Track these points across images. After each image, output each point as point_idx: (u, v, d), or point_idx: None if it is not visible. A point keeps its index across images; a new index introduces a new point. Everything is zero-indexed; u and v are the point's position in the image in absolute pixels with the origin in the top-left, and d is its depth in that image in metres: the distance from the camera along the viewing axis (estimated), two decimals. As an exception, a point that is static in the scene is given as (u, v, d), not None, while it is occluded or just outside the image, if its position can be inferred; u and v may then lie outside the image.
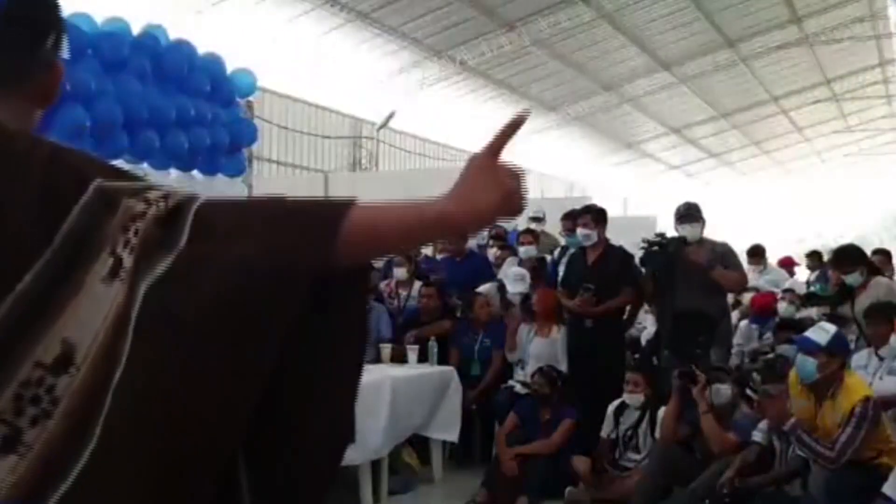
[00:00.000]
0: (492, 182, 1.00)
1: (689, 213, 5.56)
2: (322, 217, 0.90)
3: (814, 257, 9.41)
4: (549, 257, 7.13)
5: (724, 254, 5.56)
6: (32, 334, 0.82)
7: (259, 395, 0.86)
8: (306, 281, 0.85)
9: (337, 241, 0.87)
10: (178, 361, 0.83)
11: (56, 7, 1.07)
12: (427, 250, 7.80)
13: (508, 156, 1.07)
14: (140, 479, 0.82)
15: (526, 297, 6.29)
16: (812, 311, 6.80)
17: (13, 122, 0.98)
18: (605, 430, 5.12)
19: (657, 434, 4.88)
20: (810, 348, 4.08)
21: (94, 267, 0.83)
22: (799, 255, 10.93)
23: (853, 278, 5.32)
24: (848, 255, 5.55)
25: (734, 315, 7.17)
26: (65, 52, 1.10)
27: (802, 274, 9.60)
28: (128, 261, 0.83)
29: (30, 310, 0.82)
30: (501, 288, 6.53)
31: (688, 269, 5.35)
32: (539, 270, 6.60)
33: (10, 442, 0.82)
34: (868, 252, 6.37)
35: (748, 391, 4.86)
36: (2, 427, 0.82)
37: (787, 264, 9.55)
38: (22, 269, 0.82)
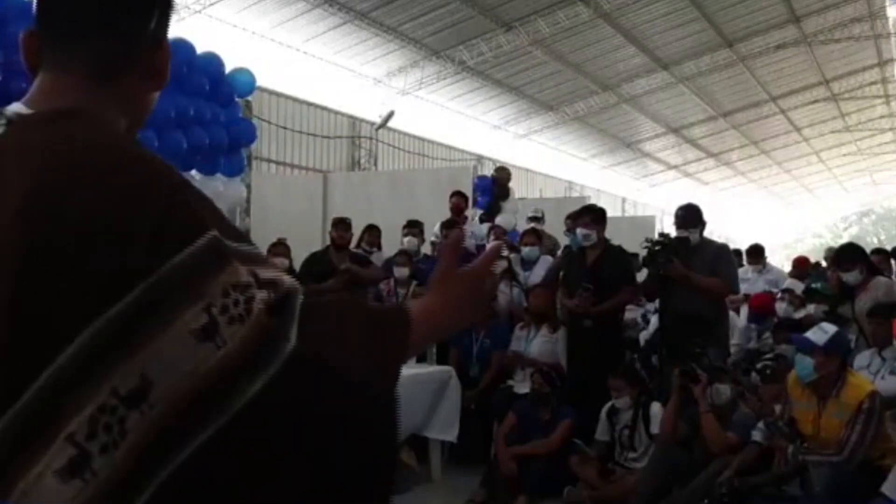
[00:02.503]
0: (469, 299, 1.11)
1: (687, 218, 5.55)
2: (397, 340, 0.99)
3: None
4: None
5: (717, 256, 5.54)
6: (113, 360, 0.80)
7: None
8: (395, 405, 0.95)
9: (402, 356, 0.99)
10: (273, 459, 0.84)
11: None
12: (426, 250, 7.80)
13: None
14: None
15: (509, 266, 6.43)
16: (811, 308, 6.78)
17: (128, 106, 1.02)
18: (600, 433, 5.13)
19: (652, 430, 4.89)
20: (808, 348, 4.08)
21: (186, 315, 0.82)
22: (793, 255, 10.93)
23: (852, 276, 5.31)
24: (847, 254, 5.55)
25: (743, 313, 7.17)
26: (170, 30, 1.08)
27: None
28: (226, 331, 0.83)
29: (115, 336, 0.80)
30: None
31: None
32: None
33: (79, 466, 0.79)
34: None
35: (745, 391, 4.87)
36: (71, 448, 0.79)
37: (802, 265, 9.50)
38: (115, 296, 0.81)
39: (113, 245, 0.82)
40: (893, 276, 6.96)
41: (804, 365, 4.07)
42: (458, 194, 8.03)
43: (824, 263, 9.97)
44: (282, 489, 0.84)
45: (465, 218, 8.02)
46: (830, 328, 4.20)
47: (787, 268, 9.65)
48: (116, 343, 0.80)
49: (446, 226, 7.21)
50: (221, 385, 0.81)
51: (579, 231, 5.85)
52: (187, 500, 0.82)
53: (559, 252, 7.37)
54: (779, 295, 7.27)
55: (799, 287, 7.79)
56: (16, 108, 0.96)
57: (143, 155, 0.90)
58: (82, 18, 0.97)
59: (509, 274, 6.59)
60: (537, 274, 6.77)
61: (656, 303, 5.92)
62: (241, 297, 0.84)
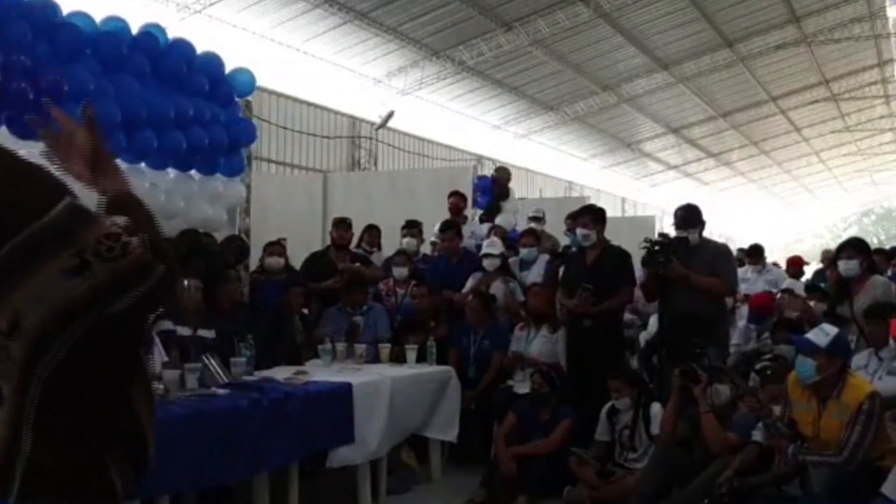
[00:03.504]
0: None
1: (686, 218, 5.55)
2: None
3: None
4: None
5: (717, 256, 5.54)
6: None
7: None
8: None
9: None
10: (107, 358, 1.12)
11: None
12: (426, 249, 7.79)
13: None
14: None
15: (504, 263, 6.53)
16: (811, 304, 6.77)
17: None
18: (600, 433, 5.12)
19: (652, 430, 4.89)
20: (809, 350, 4.07)
21: (59, 258, 1.02)
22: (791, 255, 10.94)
23: (851, 266, 5.31)
24: (850, 245, 5.55)
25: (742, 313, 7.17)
26: None
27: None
28: (98, 268, 1.04)
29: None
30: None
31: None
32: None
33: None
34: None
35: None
36: None
37: (796, 265, 9.51)
38: None
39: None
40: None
41: (805, 367, 4.06)
42: (456, 194, 7.99)
43: (820, 265, 10.00)
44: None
45: (465, 217, 8.01)
46: (832, 329, 4.18)
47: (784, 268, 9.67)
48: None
49: (444, 227, 7.19)
50: (86, 304, 1.03)
51: (579, 231, 5.85)
52: (66, 393, 1.05)
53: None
54: (778, 295, 7.28)
55: (798, 287, 7.80)
56: None
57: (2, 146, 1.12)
58: None
59: (505, 272, 6.60)
60: (535, 273, 6.77)
61: (653, 304, 5.92)
62: (115, 244, 1.07)
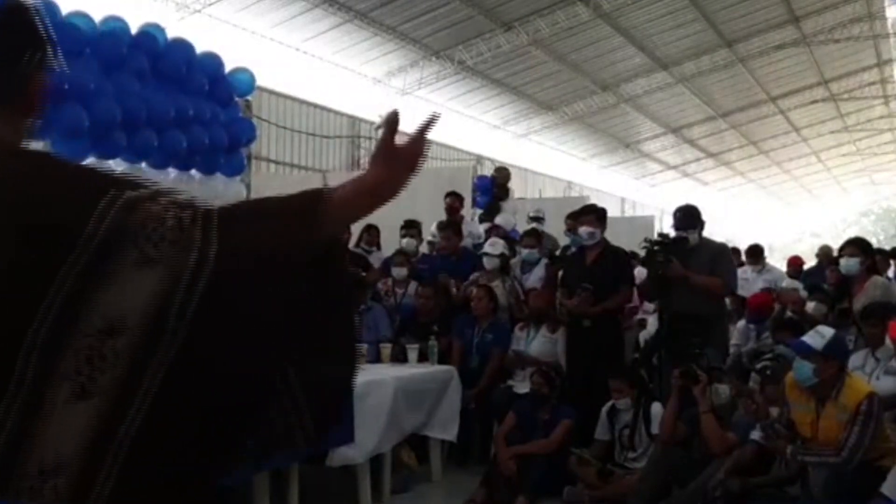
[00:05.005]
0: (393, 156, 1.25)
1: (686, 219, 5.55)
2: (304, 209, 1.20)
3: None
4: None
5: (716, 256, 5.54)
6: (83, 311, 1.03)
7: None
8: (302, 263, 1.15)
9: (318, 223, 1.16)
10: (237, 345, 1.09)
11: (32, 27, 1.23)
12: (424, 249, 7.79)
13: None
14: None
15: (504, 262, 6.50)
16: (811, 306, 6.77)
17: (9, 132, 1.21)
18: (600, 433, 5.13)
19: (652, 430, 4.89)
20: (805, 352, 4.06)
21: (125, 258, 1.04)
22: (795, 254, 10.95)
23: (853, 264, 5.30)
24: (853, 243, 5.55)
25: None
26: (52, 64, 1.26)
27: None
28: (154, 253, 1.04)
29: (71, 295, 1.03)
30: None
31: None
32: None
33: (87, 391, 1.02)
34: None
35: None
36: (79, 378, 1.03)
37: (796, 265, 9.51)
38: (58, 262, 1.03)
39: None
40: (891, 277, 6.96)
41: (803, 370, 4.05)
42: (452, 195, 7.96)
43: (815, 261, 10.02)
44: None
45: (462, 218, 8.00)
46: (827, 331, 4.17)
47: (784, 268, 9.68)
48: (76, 300, 1.04)
49: (442, 227, 7.18)
50: (167, 291, 1.04)
51: (583, 230, 5.85)
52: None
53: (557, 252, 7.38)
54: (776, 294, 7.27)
55: (797, 287, 7.79)
56: None
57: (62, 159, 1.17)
58: None
59: (505, 272, 6.61)
60: (536, 277, 6.76)
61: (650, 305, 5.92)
62: (160, 227, 1.06)
